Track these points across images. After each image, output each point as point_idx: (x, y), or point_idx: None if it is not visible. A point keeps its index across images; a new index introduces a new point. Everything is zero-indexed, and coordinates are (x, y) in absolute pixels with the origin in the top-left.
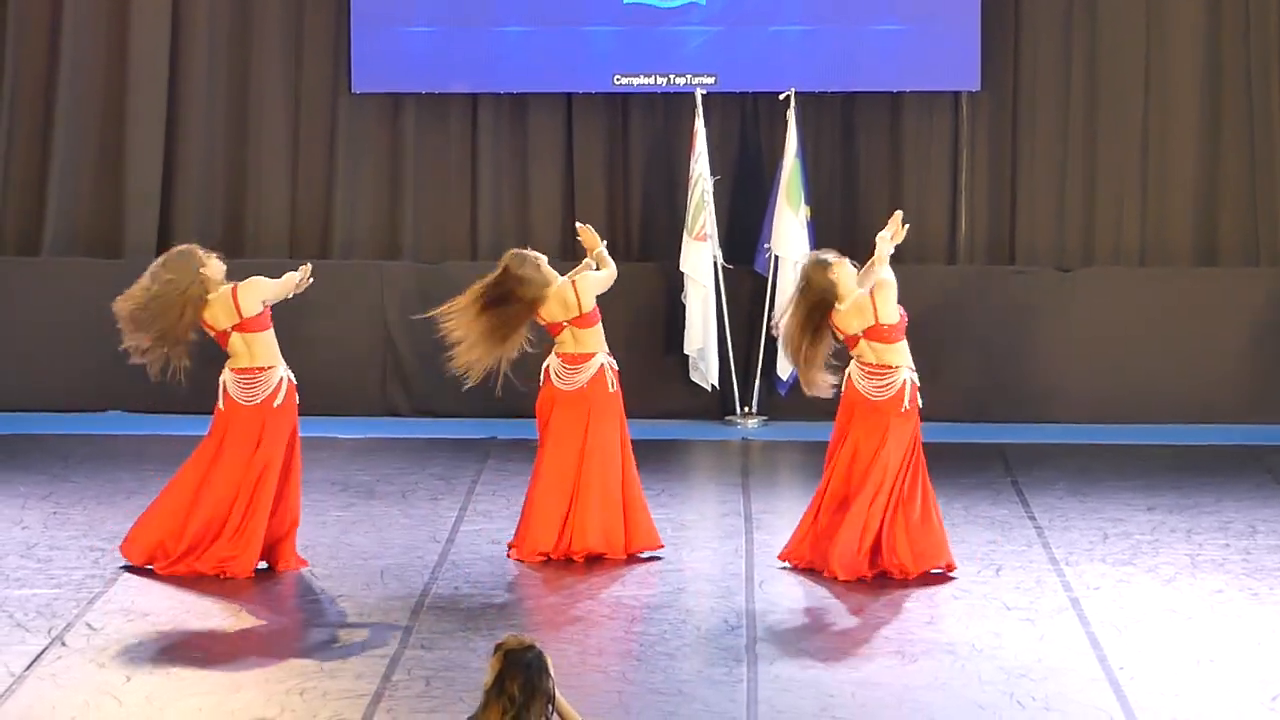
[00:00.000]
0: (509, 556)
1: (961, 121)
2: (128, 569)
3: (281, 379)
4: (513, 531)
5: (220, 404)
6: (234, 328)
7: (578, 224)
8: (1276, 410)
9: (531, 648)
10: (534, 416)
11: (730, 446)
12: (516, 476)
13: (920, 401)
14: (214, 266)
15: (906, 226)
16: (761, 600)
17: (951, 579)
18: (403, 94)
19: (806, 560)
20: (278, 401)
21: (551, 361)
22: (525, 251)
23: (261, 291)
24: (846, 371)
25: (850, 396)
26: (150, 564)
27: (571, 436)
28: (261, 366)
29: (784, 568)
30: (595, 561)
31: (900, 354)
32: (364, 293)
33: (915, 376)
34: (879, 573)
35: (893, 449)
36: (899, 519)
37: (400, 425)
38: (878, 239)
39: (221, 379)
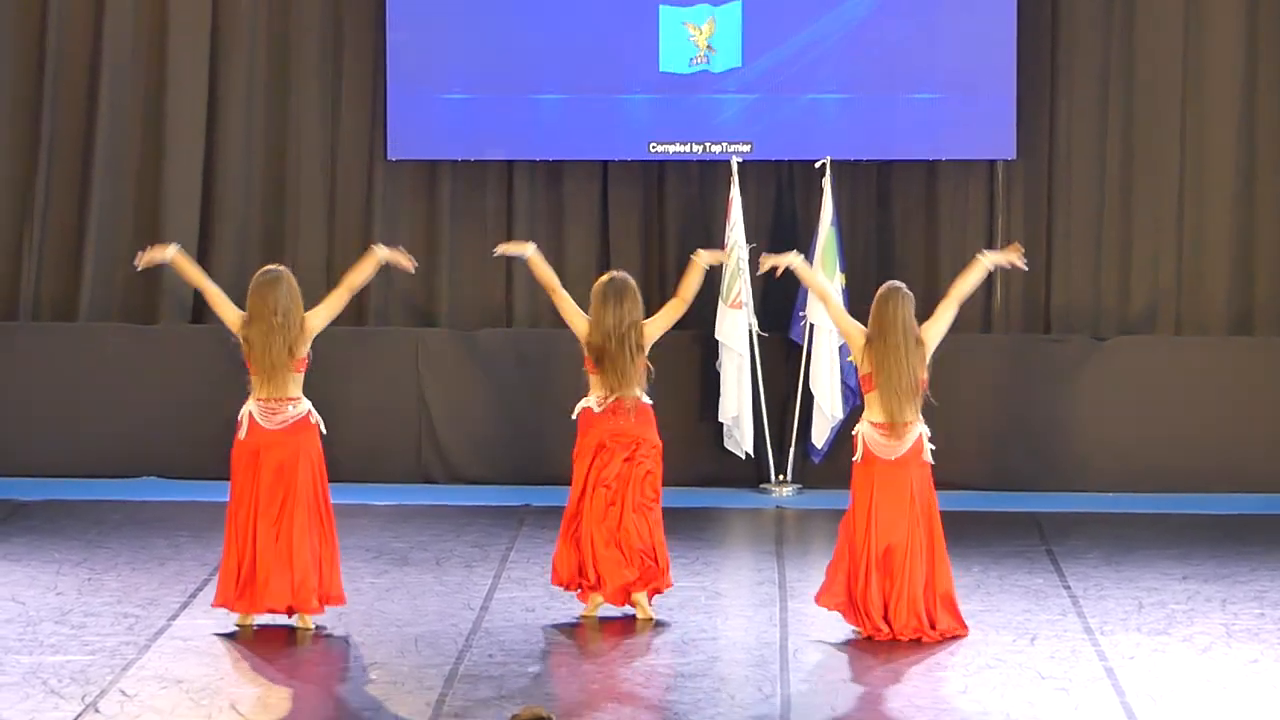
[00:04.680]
0: (557, 585)
1: (997, 190)
2: (166, 633)
3: (309, 410)
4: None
5: (241, 435)
6: None
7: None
8: None
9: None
10: (568, 483)
11: (764, 515)
12: (551, 544)
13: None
14: None
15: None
16: (796, 669)
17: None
18: (439, 161)
19: (878, 629)
20: (306, 422)
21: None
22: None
23: (317, 327)
24: (856, 433)
25: (868, 458)
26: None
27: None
28: (288, 397)
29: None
30: (628, 626)
31: (918, 409)
32: (399, 360)
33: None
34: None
35: (922, 501)
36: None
37: (435, 492)
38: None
39: (244, 412)
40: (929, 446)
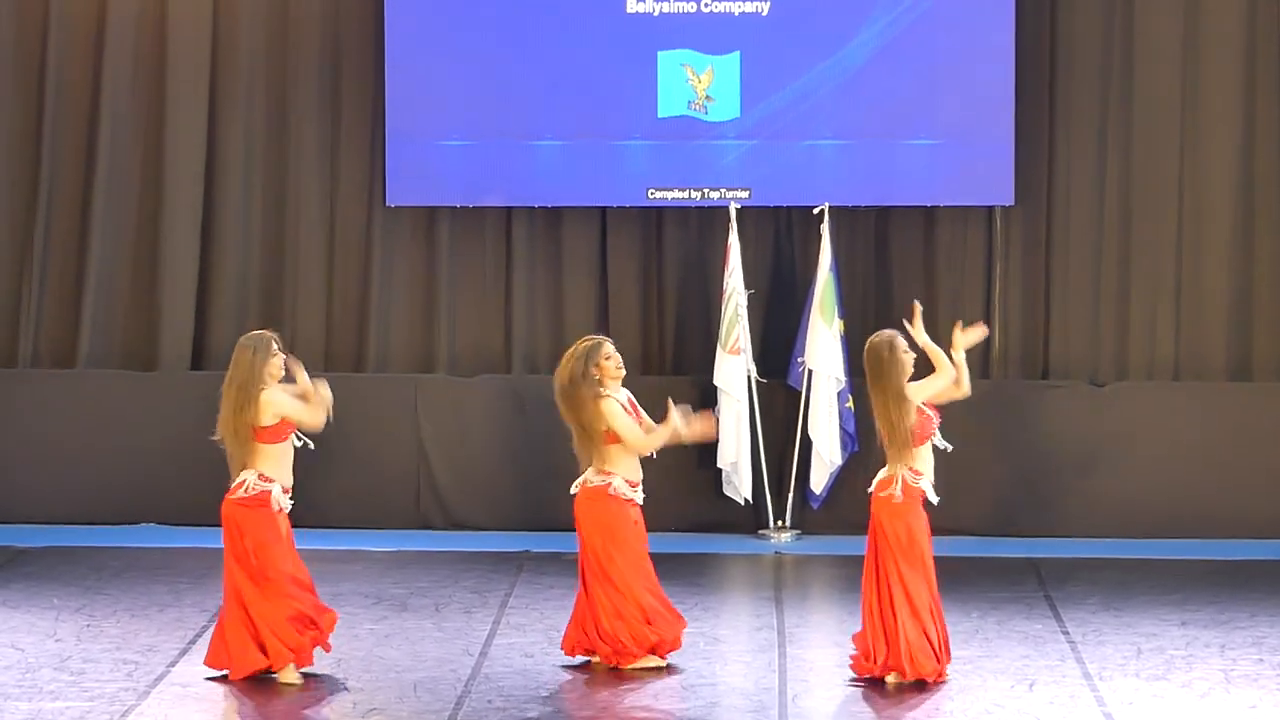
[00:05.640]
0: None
1: (995, 235)
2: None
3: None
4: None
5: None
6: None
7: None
8: None
9: None
10: (571, 529)
11: (763, 560)
12: (550, 590)
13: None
14: (274, 364)
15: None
16: (794, 715)
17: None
18: (437, 207)
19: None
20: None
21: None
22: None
23: (276, 407)
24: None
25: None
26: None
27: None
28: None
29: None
30: (626, 672)
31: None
32: (398, 406)
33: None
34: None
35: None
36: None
37: (434, 538)
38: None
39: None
40: (897, 490)
